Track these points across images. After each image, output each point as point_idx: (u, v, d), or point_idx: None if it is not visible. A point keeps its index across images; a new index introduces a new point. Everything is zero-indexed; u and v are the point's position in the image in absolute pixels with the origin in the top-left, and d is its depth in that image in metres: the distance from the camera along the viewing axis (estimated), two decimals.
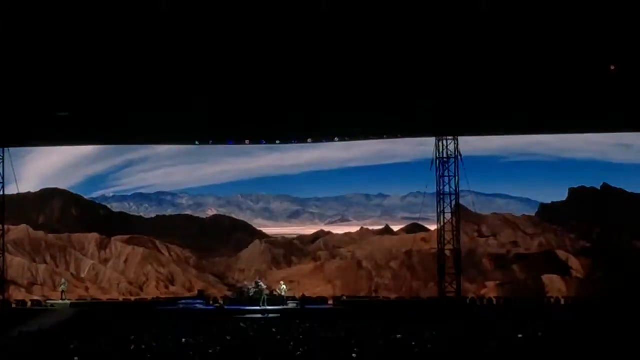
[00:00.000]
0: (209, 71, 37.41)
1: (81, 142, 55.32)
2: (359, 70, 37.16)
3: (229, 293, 52.37)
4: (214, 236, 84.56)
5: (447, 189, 47.88)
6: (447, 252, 47.57)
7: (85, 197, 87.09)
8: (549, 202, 75.57)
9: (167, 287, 64.25)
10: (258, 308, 46.51)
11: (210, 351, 27.63)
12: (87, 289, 61.03)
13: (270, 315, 44.41)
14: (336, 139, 50.10)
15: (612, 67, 36.48)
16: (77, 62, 35.70)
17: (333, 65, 36.63)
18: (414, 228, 78.43)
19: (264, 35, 33.74)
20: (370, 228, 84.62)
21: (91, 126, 45.76)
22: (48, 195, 79.47)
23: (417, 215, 70.84)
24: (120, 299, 56.74)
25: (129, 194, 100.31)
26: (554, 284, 56.71)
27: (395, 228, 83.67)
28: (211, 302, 50.15)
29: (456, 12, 31.88)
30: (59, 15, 31.11)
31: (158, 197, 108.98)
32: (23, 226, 65.46)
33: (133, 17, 31.55)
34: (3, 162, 48.28)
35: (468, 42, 34.43)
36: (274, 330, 35.26)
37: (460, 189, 47.98)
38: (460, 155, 47.34)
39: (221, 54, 35.72)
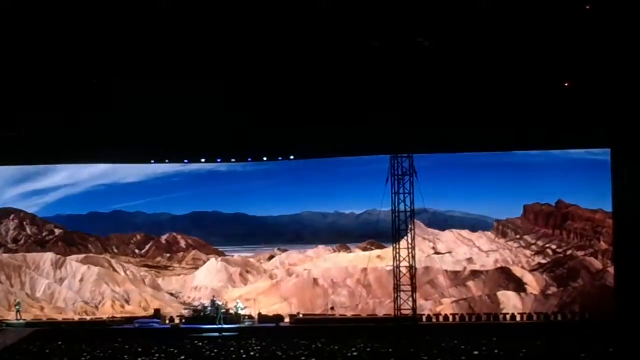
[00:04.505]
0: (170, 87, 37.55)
1: (34, 161, 54.57)
2: (312, 86, 37.36)
3: (185, 312, 52.09)
4: (169, 255, 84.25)
5: (402, 207, 48.16)
6: (403, 270, 47.79)
7: (40, 216, 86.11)
8: (504, 218, 75.82)
9: (123, 307, 63.76)
10: (214, 327, 46.41)
11: None
12: (42, 308, 60.45)
13: (227, 334, 44.34)
14: (292, 157, 50.25)
15: (567, 84, 37.05)
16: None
17: (284, 81, 36.84)
18: (370, 246, 78.67)
19: (225, 53, 33.97)
20: (326, 246, 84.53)
21: (44, 144, 45.40)
22: (2, 215, 78.70)
23: (373, 233, 70.78)
24: (76, 318, 56.29)
25: (85, 212, 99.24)
26: (510, 301, 57.10)
27: (351, 246, 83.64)
28: (167, 321, 49.98)
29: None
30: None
31: (114, 216, 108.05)
32: None
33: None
34: None
35: (423, 58, 34.80)
36: (230, 349, 35.29)
37: (415, 206, 48.29)
38: (416, 173, 47.64)
39: (186, 69, 35.90)
